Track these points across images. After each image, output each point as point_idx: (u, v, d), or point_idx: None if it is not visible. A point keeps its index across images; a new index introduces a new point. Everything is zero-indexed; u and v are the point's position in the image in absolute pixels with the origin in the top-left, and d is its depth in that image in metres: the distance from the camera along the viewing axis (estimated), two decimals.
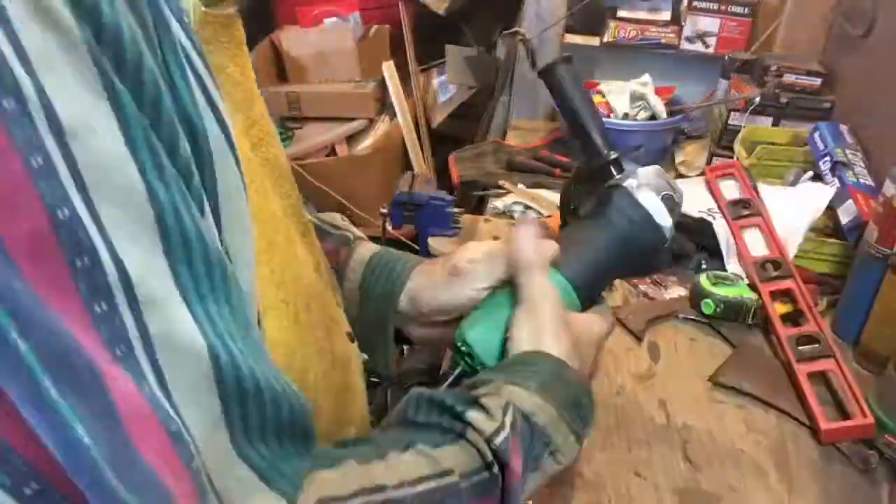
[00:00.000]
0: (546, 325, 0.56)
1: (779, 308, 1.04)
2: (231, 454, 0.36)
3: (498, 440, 0.46)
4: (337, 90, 2.43)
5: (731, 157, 1.46)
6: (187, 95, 0.36)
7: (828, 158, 1.28)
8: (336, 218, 0.75)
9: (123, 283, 0.31)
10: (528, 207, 1.35)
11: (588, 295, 0.63)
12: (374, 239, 0.75)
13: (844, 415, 0.89)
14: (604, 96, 1.67)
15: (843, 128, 1.36)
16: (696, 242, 1.22)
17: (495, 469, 0.46)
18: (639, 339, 1.03)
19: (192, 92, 0.37)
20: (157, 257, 0.33)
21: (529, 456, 0.49)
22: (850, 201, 1.17)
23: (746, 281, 1.10)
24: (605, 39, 1.88)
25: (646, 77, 1.67)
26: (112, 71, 0.31)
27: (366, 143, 2.40)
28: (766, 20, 1.81)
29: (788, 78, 1.53)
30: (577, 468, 0.80)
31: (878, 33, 1.40)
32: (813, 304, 1.03)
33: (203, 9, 0.46)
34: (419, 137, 2.44)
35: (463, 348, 0.60)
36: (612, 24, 1.87)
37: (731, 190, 1.27)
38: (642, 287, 1.15)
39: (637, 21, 1.87)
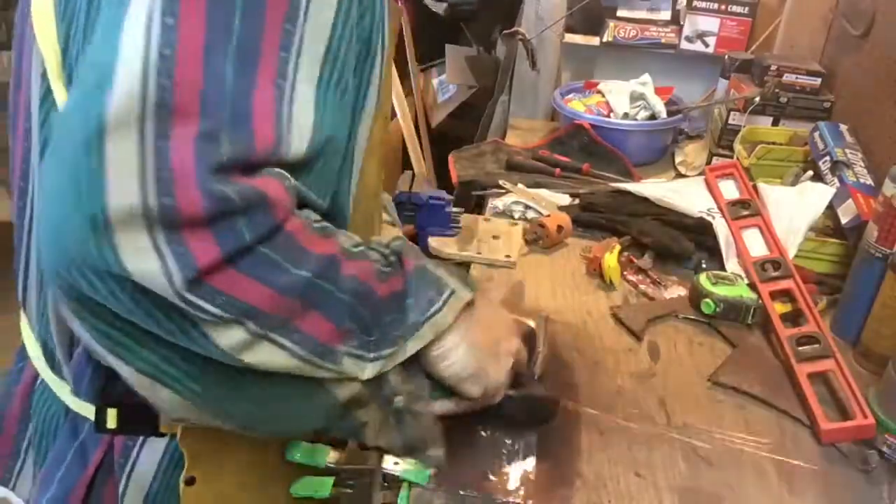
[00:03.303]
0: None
1: (779, 308, 1.04)
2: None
3: (395, 244, 0.65)
4: None
5: (731, 157, 1.46)
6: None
7: (827, 158, 1.28)
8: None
9: (297, 55, 0.53)
10: (527, 207, 1.35)
11: None
12: None
13: (844, 415, 0.89)
14: (603, 96, 1.67)
15: (843, 127, 1.36)
16: (695, 242, 1.22)
17: (393, 258, 0.64)
18: (639, 338, 1.03)
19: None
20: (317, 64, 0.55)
21: (424, 279, 0.64)
22: (850, 201, 1.17)
23: (746, 281, 1.10)
24: (605, 39, 1.88)
25: (645, 77, 1.67)
26: None
27: None
28: (766, 20, 1.81)
29: (788, 78, 1.53)
30: (576, 468, 0.80)
31: (878, 33, 1.40)
32: (813, 303, 1.03)
33: None
34: (419, 137, 2.44)
35: None
36: (611, 23, 1.87)
37: (730, 190, 1.27)
38: (642, 287, 1.15)
39: (636, 21, 1.87)
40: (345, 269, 0.57)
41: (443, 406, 0.70)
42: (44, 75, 0.64)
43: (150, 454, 0.74)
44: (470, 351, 0.68)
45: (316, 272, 0.55)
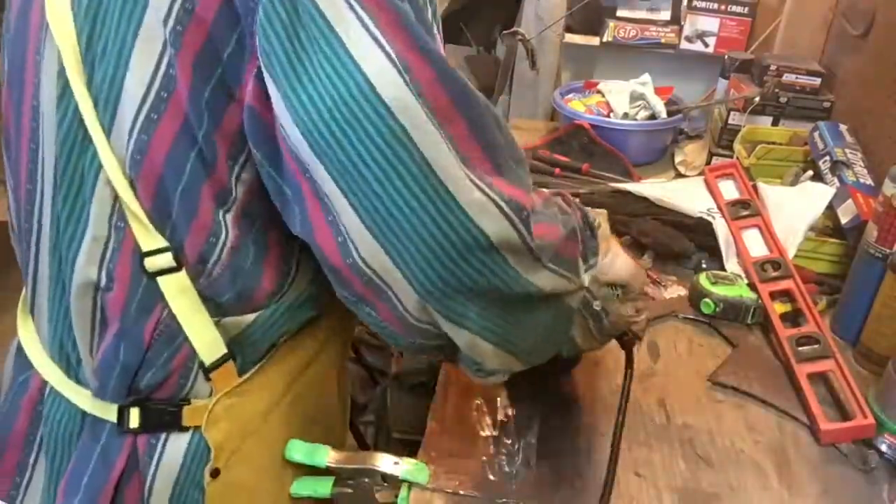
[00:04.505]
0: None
1: (778, 308, 1.04)
2: None
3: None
4: None
5: (731, 157, 1.46)
6: None
7: (827, 158, 1.28)
8: None
9: None
10: None
11: None
12: None
13: (844, 415, 0.89)
14: (603, 96, 1.67)
15: (843, 127, 1.36)
16: (695, 242, 1.22)
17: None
18: (639, 338, 1.02)
19: None
20: None
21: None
22: (850, 201, 1.17)
23: (746, 281, 1.10)
24: (605, 39, 1.88)
25: (645, 77, 1.67)
26: None
27: None
28: (766, 20, 1.81)
29: (788, 77, 1.53)
30: (577, 468, 0.80)
31: (878, 33, 1.40)
32: (812, 303, 1.03)
33: None
34: None
35: None
36: (611, 23, 1.87)
37: (730, 190, 1.27)
38: None
39: (636, 21, 1.88)
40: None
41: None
42: (59, 73, 0.64)
43: (174, 450, 0.74)
44: (621, 255, 0.78)
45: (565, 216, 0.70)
